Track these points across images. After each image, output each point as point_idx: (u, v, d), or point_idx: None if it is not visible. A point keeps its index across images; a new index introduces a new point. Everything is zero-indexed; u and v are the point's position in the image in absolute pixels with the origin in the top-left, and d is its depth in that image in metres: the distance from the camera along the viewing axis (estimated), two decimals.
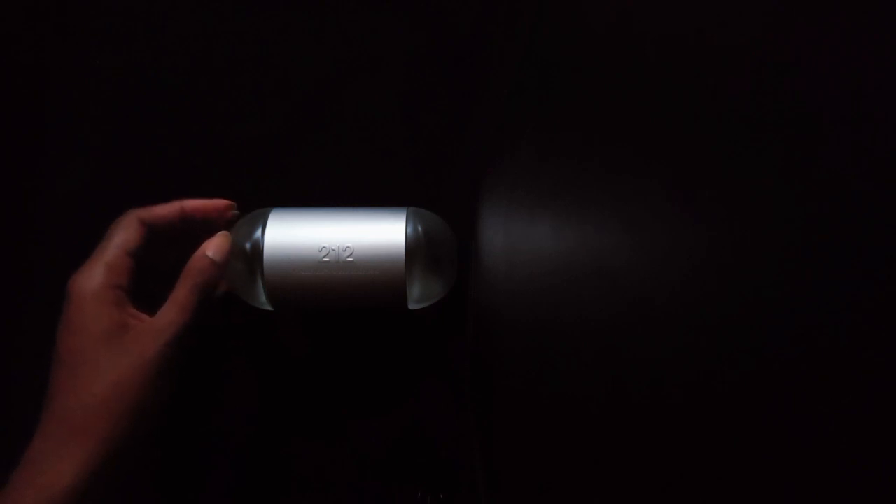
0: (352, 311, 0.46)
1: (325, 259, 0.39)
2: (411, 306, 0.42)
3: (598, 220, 0.24)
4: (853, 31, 0.13)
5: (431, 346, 0.47)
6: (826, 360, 0.13)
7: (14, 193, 0.47)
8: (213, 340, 0.46)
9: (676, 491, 0.18)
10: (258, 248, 0.39)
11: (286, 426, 0.47)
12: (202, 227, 0.40)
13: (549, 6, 0.35)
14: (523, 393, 0.32)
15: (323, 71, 0.47)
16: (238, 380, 0.47)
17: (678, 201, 0.18)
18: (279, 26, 0.47)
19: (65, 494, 0.33)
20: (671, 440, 0.18)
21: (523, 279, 0.33)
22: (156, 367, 0.35)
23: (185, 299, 0.37)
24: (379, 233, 0.39)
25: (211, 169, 0.47)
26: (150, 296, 0.38)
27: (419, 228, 0.40)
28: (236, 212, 0.42)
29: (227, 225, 0.41)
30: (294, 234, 0.39)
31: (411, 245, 0.39)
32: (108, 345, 0.35)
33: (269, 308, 0.41)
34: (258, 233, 0.39)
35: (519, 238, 0.34)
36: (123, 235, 0.38)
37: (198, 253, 0.38)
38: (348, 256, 0.39)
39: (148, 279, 0.38)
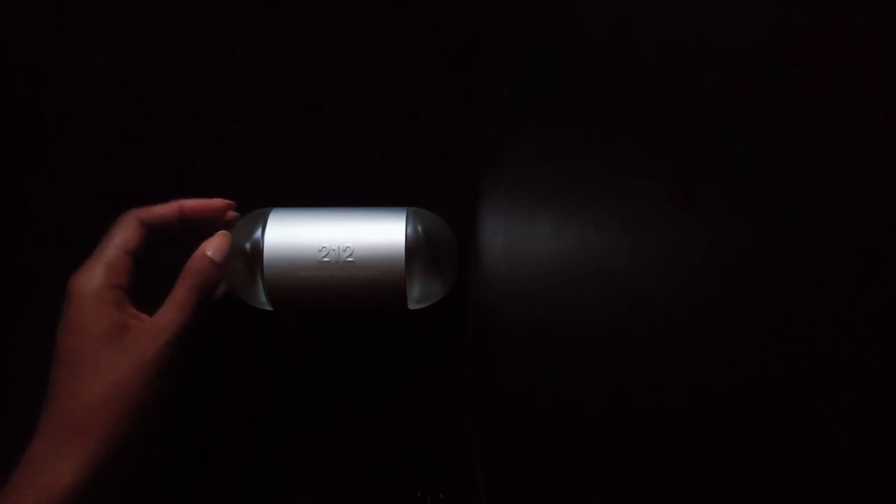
0: (352, 311, 0.46)
1: (325, 259, 0.39)
2: (411, 306, 0.42)
3: (598, 220, 0.24)
4: (853, 31, 0.13)
5: (431, 346, 0.47)
6: (826, 360, 0.13)
7: (14, 193, 0.47)
8: (213, 340, 0.46)
9: (676, 491, 0.18)
10: (258, 248, 0.39)
11: (286, 426, 0.47)
12: (202, 227, 0.40)
13: (549, 6, 0.35)
14: (523, 393, 0.32)
15: (323, 71, 0.47)
16: (238, 380, 0.47)
17: (678, 201, 0.18)
18: (279, 26, 0.47)
19: (65, 494, 0.33)
20: (671, 440, 0.18)
21: (523, 279, 0.33)
22: (156, 367, 0.35)
23: (184, 299, 0.37)
24: (379, 233, 0.39)
25: (211, 169, 0.47)
26: (150, 296, 0.38)
27: (419, 228, 0.40)
28: (237, 214, 0.42)
29: (227, 225, 0.41)
30: (294, 234, 0.39)
31: (411, 245, 0.39)
32: (108, 345, 0.35)
33: (269, 308, 0.41)
34: (258, 233, 0.39)
35: (519, 238, 0.34)
36: (123, 235, 0.38)
37: (197, 252, 0.38)
38: (348, 256, 0.39)
39: (148, 279, 0.38)
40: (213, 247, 0.38)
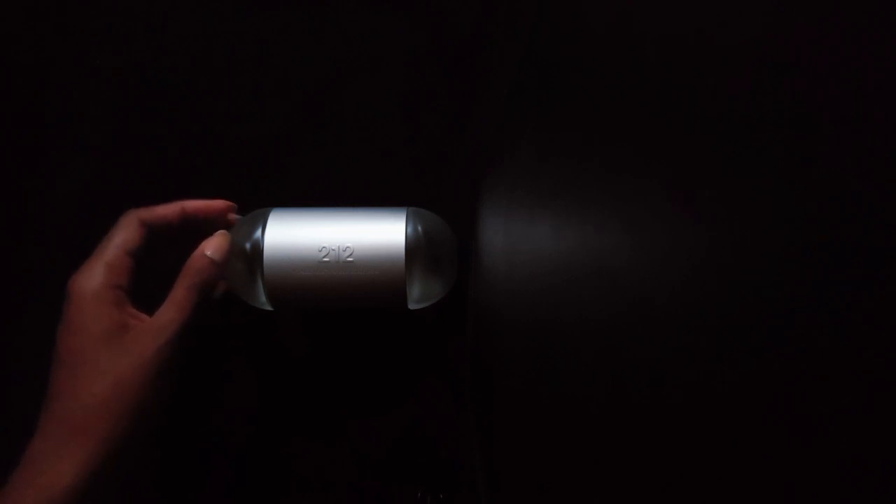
0: (352, 311, 0.46)
1: (325, 259, 0.39)
2: (411, 306, 0.42)
3: (598, 220, 0.24)
4: (853, 31, 0.13)
5: (431, 346, 0.47)
6: (826, 360, 0.13)
7: (14, 193, 0.47)
8: (213, 340, 0.46)
9: (676, 491, 0.18)
10: (258, 248, 0.39)
11: (286, 426, 0.47)
12: (203, 228, 0.40)
13: (549, 6, 0.35)
14: (523, 393, 0.32)
15: (323, 71, 0.47)
16: (238, 380, 0.47)
17: (678, 201, 0.18)
18: (279, 26, 0.47)
19: (65, 494, 0.33)
20: (671, 440, 0.18)
21: (523, 279, 0.33)
22: (155, 367, 0.35)
23: (183, 298, 0.37)
24: (379, 233, 0.39)
25: (211, 169, 0.47)
26: (150, 296, 0.38)
27: (419, 228, 0.40)
28: (238, 216, 0.42)
29: (227, 225, 0.41)
30: (294, 234, 0.39)
31: (411, 245, 0.39)
32: (108, 345, 0.35)
33: (269, 308, 0.41)
34: (258, 233, 0.39)
35: (519, 238, 0.34)
36: (123, 235, 0.38)
37: (196, 252, 0.38)
38: (348, 256, 0.39)
39: (148, 279, 0.38)
40: (213, 246, 0.38)
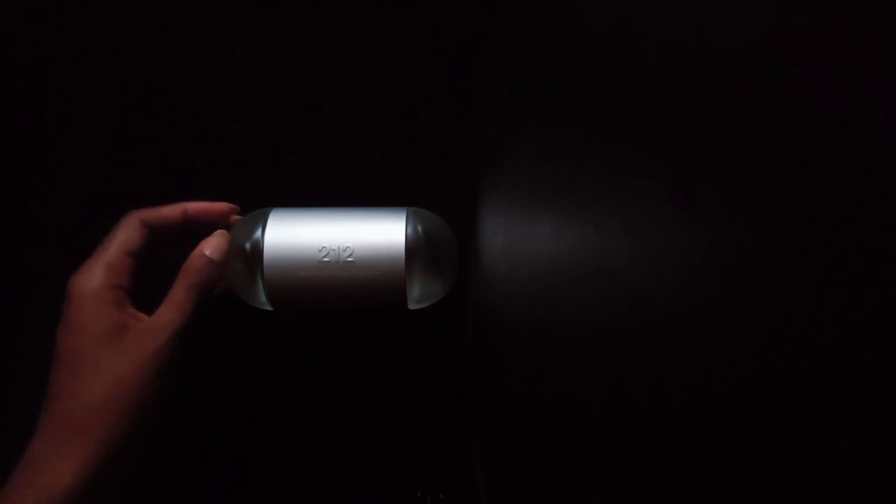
0: (352, 311, 0.46)
1: (325, 259, 0.39)
2: (411, 306, 0.42)
3: (598, 220, 0.24)
4: (853, 31, 0.13)
5: (431, 346, 0.47)
6: (826, 360, 0.13)
7: (14, 193, 0.47)
8: (213, 340, 0.46)
9: (676, 491, 0.18)
10: (258, 248, 0.39)
11: (286, 426, 0.47)
12: (205, 229, 0.40)
13: (549, 6, 0.35)
14: (523, 393, 0.32)
15: (323, 71, 0.47)
16: (238, 380, 0.47)
17: (678, 201, 0.18)
18: (279, 26, 0.47)
19: (65, 494, 0.33)
20: (671, 440, 0.18)
21: (523, 279, 0.33)
22: (155, 367, 0.35)
23: (182, 298, 0.37)
24: (379, 233, 0.39)
25: (211, 169, 0.47)
26: (151, 296, 0.38)
27: (419, 228, 0.40)
28: (238, 216, 0.42)
29: (227, 225, 0.41)
30: (294, 234, 0.39)
31: (411, 245, 0.39)
32: (108, 345, 0.35)
33: (269, 308, 0.41)
34: (258, 233, 0.39)
35: (519, 238, 0.34)
36: (124, 236, 0.38)
37: (195, 252, 0.38)
38: (348, 256, 0.39)
39: (149, 280, 0.38)
40: (212, 246, 0.38)
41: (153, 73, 0.47)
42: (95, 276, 0.36)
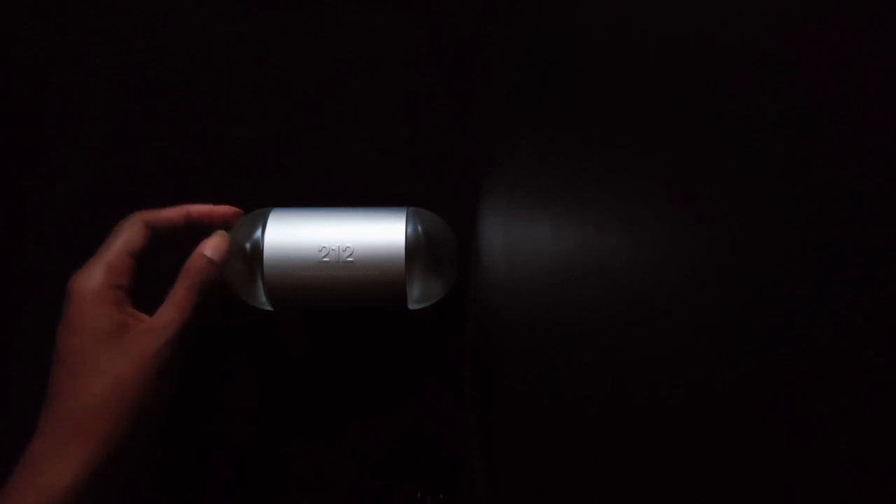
0: (352, 311, 0.46)
1: (325, 259, 0.39)
2: (411, 306, 0.42)
3: (598, 220, 0.24)
4: (853, 31, 0.13)
5: (431, 346, 0.47)
6: (826, 360, 0.13)
7: (14, 193, 0.47)
8: (213, 340, 0.46)
9: (676, 491, 0.18)
10: (258, 248, 0.39)
11: (286, 426, 0.47)
12: (206, 230, 0.40)
13: (549, 6, 0.35)
14: (523, 393, 0.32)
15: (323, 71, 0.47)
16: (238, 380, 0.47)
17: (678, 201, 0.18)
18: (279, 26, 0.47)
19: (65, 494, 0.33)
20: (671, 440, 0.18)
21: (523, 279, 0.33)
22: (155, 367, 0.35)
23: (183, 298, 0.37)
24: (379, 233, 0.39)
25: (211, 169, 0.47)
26: (152, 297, 0.38)
27: (419, 228, 0.40)
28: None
29: (227, 225, 0.41)
30: (294, 234, 0.39)
31: (411, 245, 0.39)
32: (108, 345, 0.35)
33: (269, 308, 0.41)
34: (258, 233, 0.39)
35: (519, 238, 0.34)
36: (126, 236, 0.38)
37: (196, 252, 0.38)
38: (348, 256, 0.39)
39: (151, 280, 0.38)
40: (212, 246, 0.38)
41: (153, 73, 0.47)
42: (96, 276, 0.36)
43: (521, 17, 0.42)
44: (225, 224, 0.41)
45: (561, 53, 0.32)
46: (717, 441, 0.16)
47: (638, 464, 0.20)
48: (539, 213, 0.31)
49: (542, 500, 0.30)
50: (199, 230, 0.40)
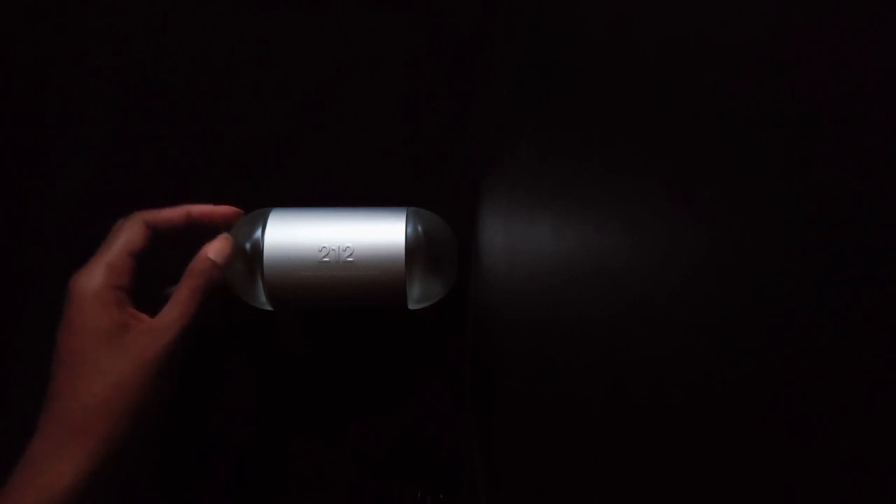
0: (352, 311, 0.46)
1: (325, 259, 0.39)
2: (411, 306, 0.42)
3: (598, 220, 0.24)
4: (853, 31, 0.13)
5: (431, 346, 0.47)
6: (826, 360, 0.13)
7: (14, 193, 0.47)
8: (213, 340, 0.46)
9: (676, 491, 0.18)
10: (258, 248, 0.39)
11: (286, 426, 0.47)
12: (207, 230, 0.40)
13: (549, 6, 0.35)
14: (523, 393, 0.32)
15: (323, 71, 0.47)
16: (238, 380, 0.47)
17: (678, 201, 0.18)
18: (279, 26, 0.47)
19: (65, 494, 0.33)
20: (671, 440, 0.18)
21: (523, 279, 0.33)
22: (156, 367, 0.35)
23: (186, 300, 0.37)
24: (379, 233, 0.39)
25: (211, 169, 0.47)
26: (152, 297, 0.38)
27: (419, 228, 0.40)
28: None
29: (228, 226, 0.41)
30: (294, 234, 0.39)
31: (411, 245, 0.39)
32: (109, 345, 0.35)
33: (269, 308, 0.41)
34: (258, 233, 0.39)
35: (519, 238, 0.34)
36: (127, 237, 0.38)
37: (199, 255, 0.38)
38: (348, 256, 0.39)
39: (151, 281, 0.38)
40: (215, 249, 0.38)
41: (153, 73, 0.47)
42: (96, 276, 0.36)
43: (521, 17, 0.42)
44: (225, 224, 0.41)
45: (561, 53, 0.32)
46: (717, 441, 0.16)
47: (638, 464, 0.20)
48: (539, 213, 0.31)
49: (542, 500, 0.30)
50: (200, 230, 0.40)
